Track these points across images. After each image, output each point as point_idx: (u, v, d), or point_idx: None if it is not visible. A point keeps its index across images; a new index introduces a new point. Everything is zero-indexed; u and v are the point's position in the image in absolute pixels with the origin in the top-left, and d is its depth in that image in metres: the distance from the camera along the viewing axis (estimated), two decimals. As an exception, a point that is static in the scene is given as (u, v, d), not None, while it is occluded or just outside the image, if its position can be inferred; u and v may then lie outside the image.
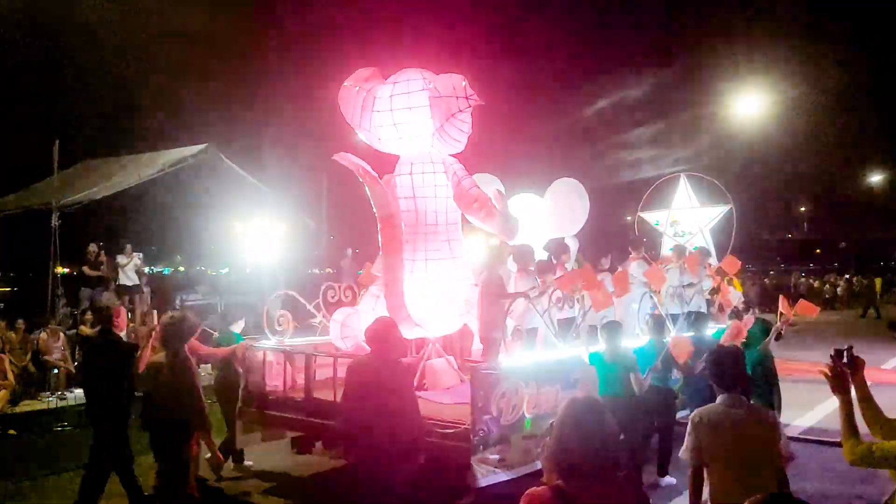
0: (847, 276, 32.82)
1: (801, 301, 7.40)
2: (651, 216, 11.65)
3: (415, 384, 5.75)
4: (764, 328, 7.13)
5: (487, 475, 5.52)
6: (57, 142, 14.90)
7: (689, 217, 11.07)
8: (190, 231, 19.32)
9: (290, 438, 6.78)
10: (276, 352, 6.80)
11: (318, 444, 6.66)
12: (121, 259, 15.43)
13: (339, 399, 5.52)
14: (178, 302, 17.33)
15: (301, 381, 6.60)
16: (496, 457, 5.64)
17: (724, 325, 7.51)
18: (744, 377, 3.50)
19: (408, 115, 6.53)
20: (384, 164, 6.98)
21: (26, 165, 18.32)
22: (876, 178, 39.98)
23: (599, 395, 6.16)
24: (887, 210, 45.82)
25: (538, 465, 5.99)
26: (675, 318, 7.74)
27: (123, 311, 6.15)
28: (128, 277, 15.63)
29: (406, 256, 6.57)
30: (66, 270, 17.54)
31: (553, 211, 7.57)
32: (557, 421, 2.35)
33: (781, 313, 7.06)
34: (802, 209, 44.97)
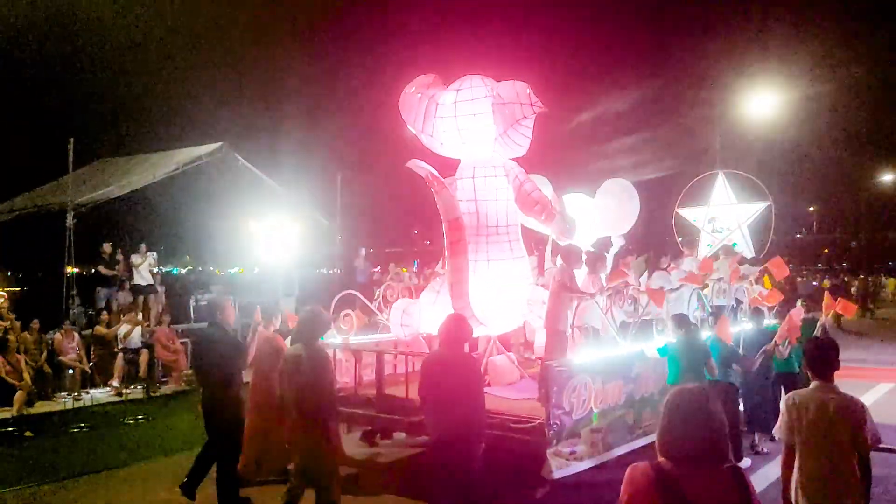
0: (861, 276, 33.50)
1: (841, 299, 7.96)
2: (689, 213, 12.23)
3: (482, 381, 6.28)
4: (810, 324, 7.70)
5: (561, 467, 6.05)
6: (72, 140, 15.19)
7: (728, 214, 11.63)
8: (203, 230, 19.73)
9: (360, 432, 7.28)
10: (345, 350, 7.29)
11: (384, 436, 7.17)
12: (135, 258, 15.77)
13: (415, 392, 6.05)
14: (192, 301, 17.70)
15: (367, 377, 7.14)
16: (569, 450, 6.18)
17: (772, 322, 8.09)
18: (835, 366, 4.00)
19: (472, 121, 7.02)
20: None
21: (41, 164, 18.68)
22: (887, 178, 40.74)
23: (668, 383, 6.74)
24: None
25: (606, 456, 6.56)
26: (721, 309, 8.34)
27: (231, 304, 6.55)
28: (142, 277, 15.99)
29: (469, 258, 7.07)
30: (77, 270, 17.94)
31: (604, 211, 8.08)
32: (665, 407, 2.47)
33: (826, 308, 7.62)
34: (811, 209, 45.59)
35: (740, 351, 7.51)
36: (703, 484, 2.32)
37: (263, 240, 17.32)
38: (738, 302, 8.88)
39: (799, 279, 29.65)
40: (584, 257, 7.20)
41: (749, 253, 10.59)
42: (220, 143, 17.50)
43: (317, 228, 20.11)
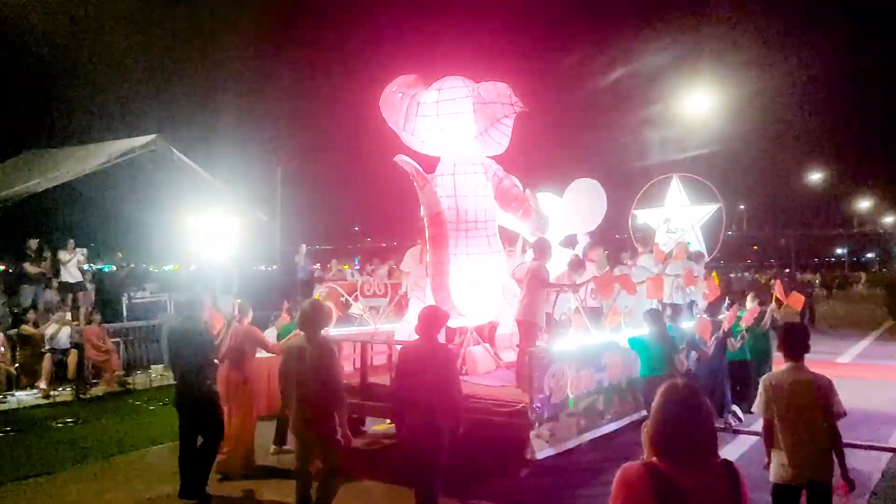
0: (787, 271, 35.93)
1: (793, 293, 8.94)
2: (645, 214, 13.23)
3: (457, 368, 6.82)
4: (760, 315, 8.65)
5: (542, 449, 6.67)
6: (-6, 132, 15.03)
7: (681, 215, 12.65)
8: (137, 226, 19.48)
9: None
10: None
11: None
12: (63, 255, 15.56)
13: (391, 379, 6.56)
14: (124, 300, 17.54)
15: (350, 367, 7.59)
16: (548, 432, 6.81)
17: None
18: (806, 349, 4.74)
19: (453, 119, 7.59)
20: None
21: (-39, 157, 18.11)
22: (814, 177, 43.86)
23: (641, 375, 7.47)
24: (825, 207, 50.46)
25: (581, 439, 7.24)
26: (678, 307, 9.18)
27: (209, 301, 6.91)
28: (70, 274, 15.81)
29: (449, 251, 7.62)
30: (2, 267, 17.50)
31: (572, 209, 8.78)
32: (657, 403, 2.53)
33: (777, 299, 8.56)
34: (741, 206, 48.56)
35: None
36: (697, 479, 2.40)
37: (200, 236, 17.47)
38: (693, 302, 9.75)
39: (731, 275, 31.63)
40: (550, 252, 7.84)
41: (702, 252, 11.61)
42: (154, 136, 17.37)
43: (256, 224, 19.89)
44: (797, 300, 8.70)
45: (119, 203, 19.16)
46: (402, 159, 7.26)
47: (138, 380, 13.00)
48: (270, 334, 8.92)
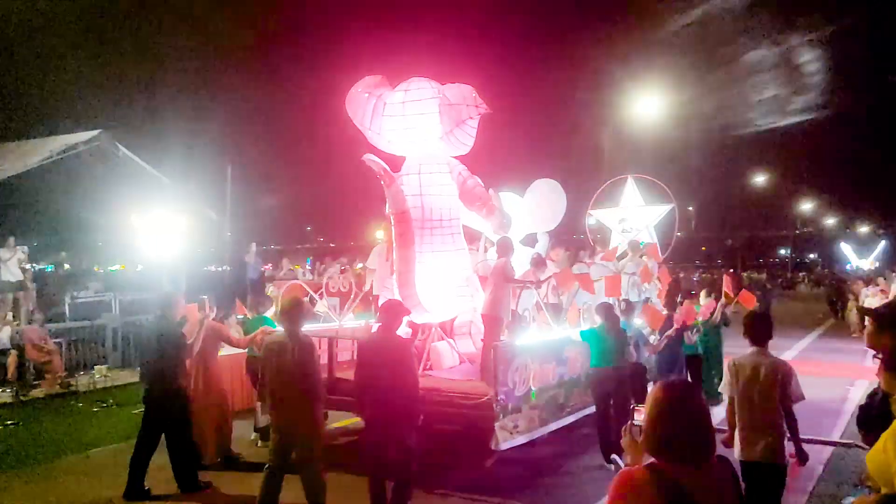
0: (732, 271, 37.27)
1: (744, 291, 9.53)
2: (601, 214, 13.78)
3: (415, 360, 7.11)
4: (713, 310, 9.24)
5: (506, 440, 7.04)
6: (-70, 126, 14.78)
7: (636, 215, 13.20)
8: (81, 224, 19.25)
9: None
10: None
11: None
12: (3, 253, 15.44)
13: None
14: (67, 299, 17.35)
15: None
16: (512, 424, 7.19)
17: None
18: (768, 336, 5.22)
19: (419, 119, 7.90)
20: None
21: None
22: (759, 179, 45.63)
23: (592, 366, 7.91)
24: (770, 210, 52.59)
25: (542, 431, 7.64)
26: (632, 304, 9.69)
27: (181, 300, 7.09)
28: (11, 273, 15.65)
29: (415, 249, 7.94)
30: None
31: (533, 208, 9.19)
32: (653, 403, 2.47)
33: (726, 293, 9.13)
34: (690, 208, 50.10)
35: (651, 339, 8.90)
36: (700, 479, 2.37)
37: (147, 234, 16.90)
38: (648, 299, 10.27)
39: (681, 274, 32.75)
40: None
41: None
42: (98, 131, 17.27)
43: (205, 223, 20.06)
44: (748, 299, 9.27)
45: (62, 200, 18.91)
46: (369, 158, 7.55)
47: (81, 381, 12.82)
48: None
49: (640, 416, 2.79)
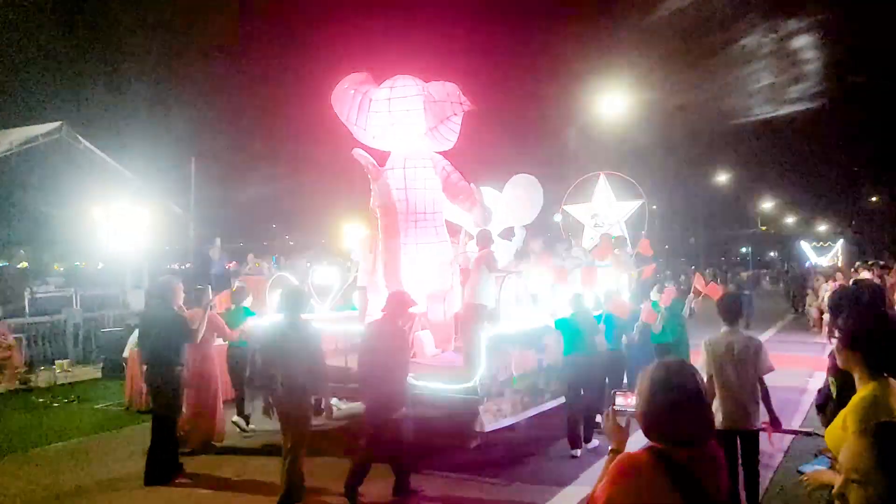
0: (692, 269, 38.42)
1: (712, 284, 10.20)
2: (574, 209, 14.42)
3: (409, 349, 7.62)
4: (681, 301, 9.89)
5: (490, 422, 7.56)
6: None
7: (608, 210, 13.88)
8: (40, 218, 19.23)
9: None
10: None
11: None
12: (-41, 248, 15.52)
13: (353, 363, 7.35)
14: (27, 294, 17.36)
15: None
16: (496, 407, 7.71)
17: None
18: (739, 314, 5.84)
19: (404, 116, 8.38)
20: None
21: None
22: (720, 178, 47.14)
23: (565, 354, 8.46)
24: (731, 208, 54.31)
25: (524, 415, 8.18)
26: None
27: (180, 287, 7.45)
28: (-34, 268, 15.73)
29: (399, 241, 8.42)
30: None
31: (511, 203, 9.73)
32: (650, 384, 2.45)
33: (696, 289, 9.78)
34: (654, 207, 51.30)
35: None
36: (702, 459, 2.37)
37: (108, 227, 17.19)
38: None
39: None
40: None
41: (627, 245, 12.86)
42: (59, 123, 17.31)
43: (169, 217, 20.20)
44: (715, 291, 9.92)
45: (20, 194, 18.93)
46: (358, 153, 8.00)
47: (41, 377, 12.99)
48: None
49: (624, 400, 2.84)
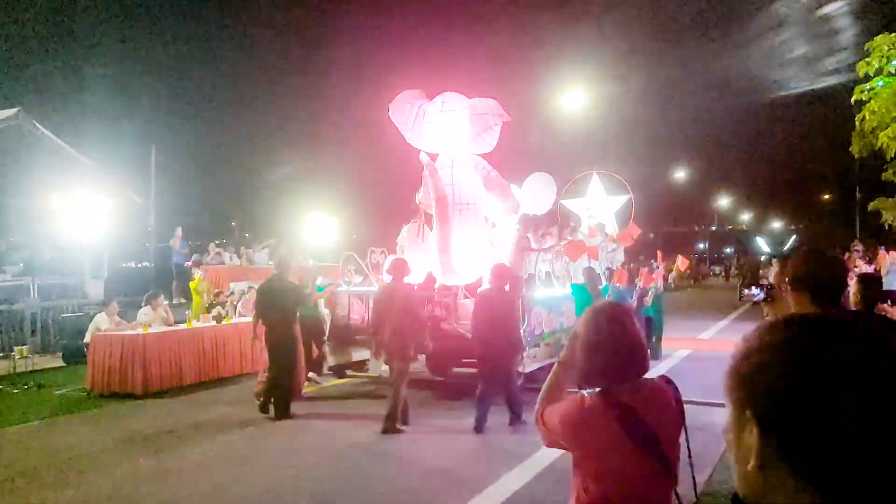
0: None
1: (680, 255, 13.45)
2: (570, 203, 17.59)
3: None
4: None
5: (530, 364, 10.52)
6: None
7: (600, 204, 17.06)
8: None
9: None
10: (355, 295, 11.25)
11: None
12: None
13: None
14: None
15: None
16: (533, 354, 10.67)
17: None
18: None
19: (455, 126, 11.25)
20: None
21: None
22: (679, 176, 51.49)
23: (576, 315, 11.50)
24: (688, 205, 58.88)
25: (552, 360, 11.16)
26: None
27: (294, 262, 10.22)
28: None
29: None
30: None
31: (529, 195, 12.68)
32: (590, 327, 2.72)
33: (677, 266, 12.96)
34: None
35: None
36: (639, 397, 2.59)
37: (66, 215, 17.72)
38: (610, 270, 14.01)
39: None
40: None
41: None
42: (16, 109, 18.00)
43: (128, 205, 20.87)
44: (685, 263, 13.15)
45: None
46: (422, 156, 10.87)
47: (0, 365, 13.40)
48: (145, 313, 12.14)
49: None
